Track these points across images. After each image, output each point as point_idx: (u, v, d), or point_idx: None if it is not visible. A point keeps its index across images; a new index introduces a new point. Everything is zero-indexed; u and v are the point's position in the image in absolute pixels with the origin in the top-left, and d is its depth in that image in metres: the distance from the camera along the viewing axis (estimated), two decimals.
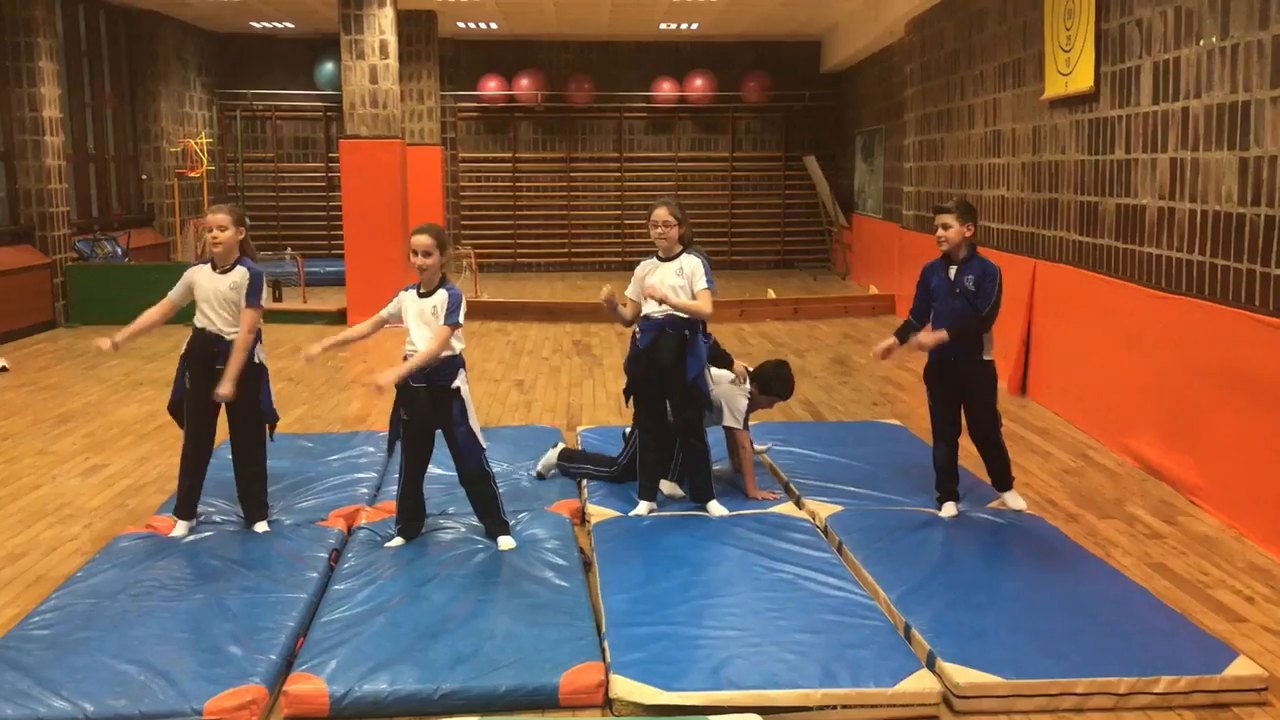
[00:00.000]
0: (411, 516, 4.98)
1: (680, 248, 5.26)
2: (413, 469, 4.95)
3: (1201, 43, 5.90)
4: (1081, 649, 3.83)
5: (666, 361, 5.20)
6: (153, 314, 5.05)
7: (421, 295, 4.82)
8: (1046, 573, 4.59)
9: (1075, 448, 6.92)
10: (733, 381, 5.61)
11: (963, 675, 3.65)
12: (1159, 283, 6.39)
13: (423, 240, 4.77)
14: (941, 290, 5.19)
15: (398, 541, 4.90)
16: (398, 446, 5.02)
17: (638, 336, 5.31)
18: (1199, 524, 5.47)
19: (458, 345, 4.85)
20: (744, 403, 5.56)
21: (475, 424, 4.90)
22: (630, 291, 5.33)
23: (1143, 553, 5.06)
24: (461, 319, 4.79)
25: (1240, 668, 3.71)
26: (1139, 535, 5.31)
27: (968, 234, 5.15)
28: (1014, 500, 5.46)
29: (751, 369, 5.74)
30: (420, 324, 4.78)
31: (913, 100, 12.32)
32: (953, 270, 5.17)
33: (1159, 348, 6.26)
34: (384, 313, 4.95)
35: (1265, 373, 5.15)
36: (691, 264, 5.22)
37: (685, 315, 5.19)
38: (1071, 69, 7.59)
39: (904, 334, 5.40)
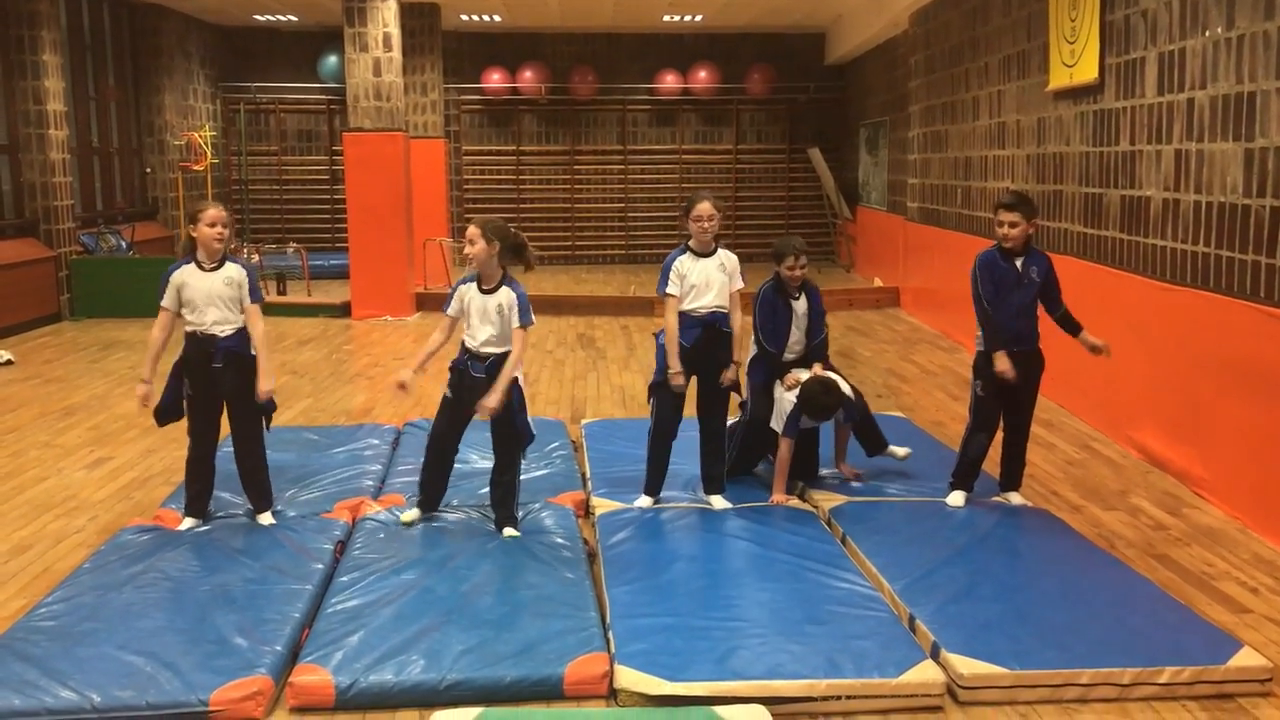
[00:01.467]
0: (435, 488, 5.02)
1: (714, 242, 5.23)
2: (452, 444, 4.97)
3: (1207, 33, 5.88)
4: (1085, 640, 3.84)
5: (719, 359, 5.18)
6: (158, 336, 4.95)
7: (484, 291, 4.79)
8: (1050, 564, 4.60)
9: (1079, 439, 6.92)
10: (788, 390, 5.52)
11: (967, 666, 3.66)
12: (1163, 274, 6.38)
13: (469, 229, 4.78)
14: (1009, 282, 5.17)
15: (414, 514, 4.94)
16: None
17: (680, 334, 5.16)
18: (1203, 515, 5.46)
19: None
20: (790, 410, 5.44)
21: (527, 413, 4.95)
22: (673, 289, 5.12)
23: (1147, 544, 5.06)
24: (533, 318, 4.81)
25: (1244, 658, 3.72)
26: (1143, 527, 5.31)
27: (1031, 230, 5.19)
28: (1016, 499, 5.45)
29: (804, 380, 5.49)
30: (484, 321, 4.76)
31: (917, 92, 12.29)
32: (1018, 262, 5.19)
33: (1163, 339, 6.25)
34: (450, 311, 4.85)
35: (1269, 364, 5.14)
36: (731, 261, 5.19)
37: (726, 312, 5.17)
38: (1076, 60, 7.57)
39: (996, 341, 5.11)
